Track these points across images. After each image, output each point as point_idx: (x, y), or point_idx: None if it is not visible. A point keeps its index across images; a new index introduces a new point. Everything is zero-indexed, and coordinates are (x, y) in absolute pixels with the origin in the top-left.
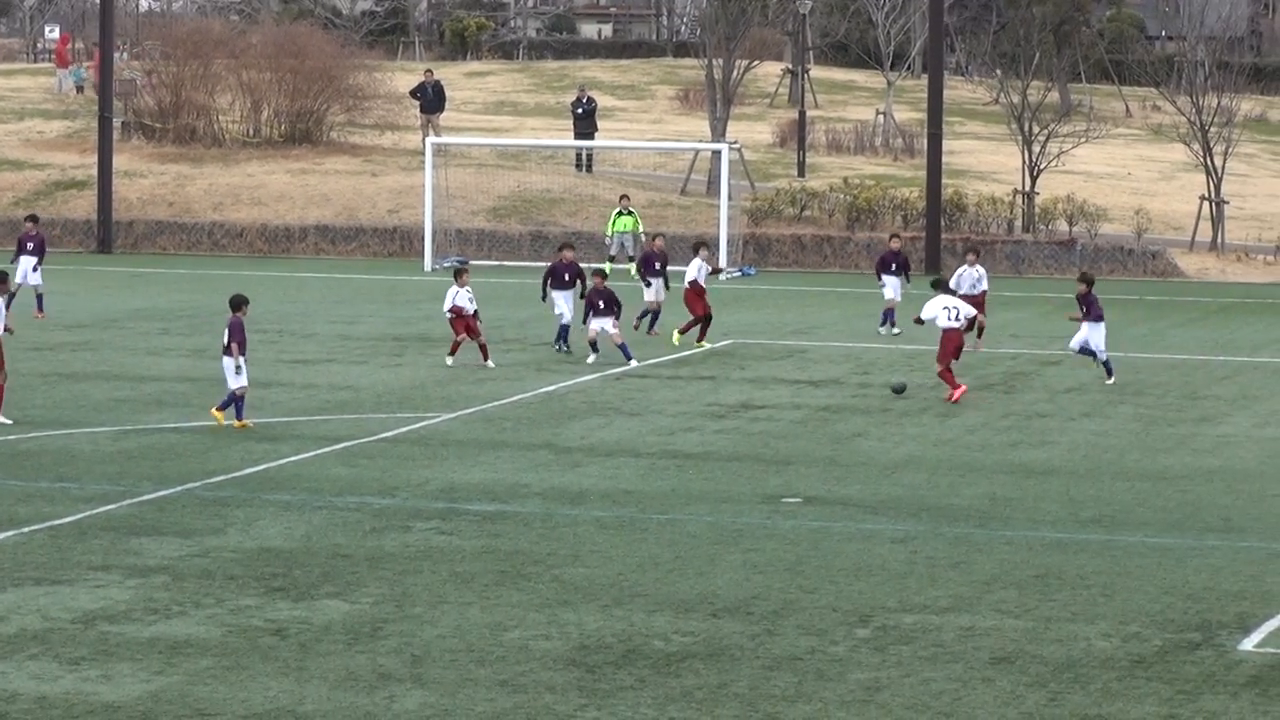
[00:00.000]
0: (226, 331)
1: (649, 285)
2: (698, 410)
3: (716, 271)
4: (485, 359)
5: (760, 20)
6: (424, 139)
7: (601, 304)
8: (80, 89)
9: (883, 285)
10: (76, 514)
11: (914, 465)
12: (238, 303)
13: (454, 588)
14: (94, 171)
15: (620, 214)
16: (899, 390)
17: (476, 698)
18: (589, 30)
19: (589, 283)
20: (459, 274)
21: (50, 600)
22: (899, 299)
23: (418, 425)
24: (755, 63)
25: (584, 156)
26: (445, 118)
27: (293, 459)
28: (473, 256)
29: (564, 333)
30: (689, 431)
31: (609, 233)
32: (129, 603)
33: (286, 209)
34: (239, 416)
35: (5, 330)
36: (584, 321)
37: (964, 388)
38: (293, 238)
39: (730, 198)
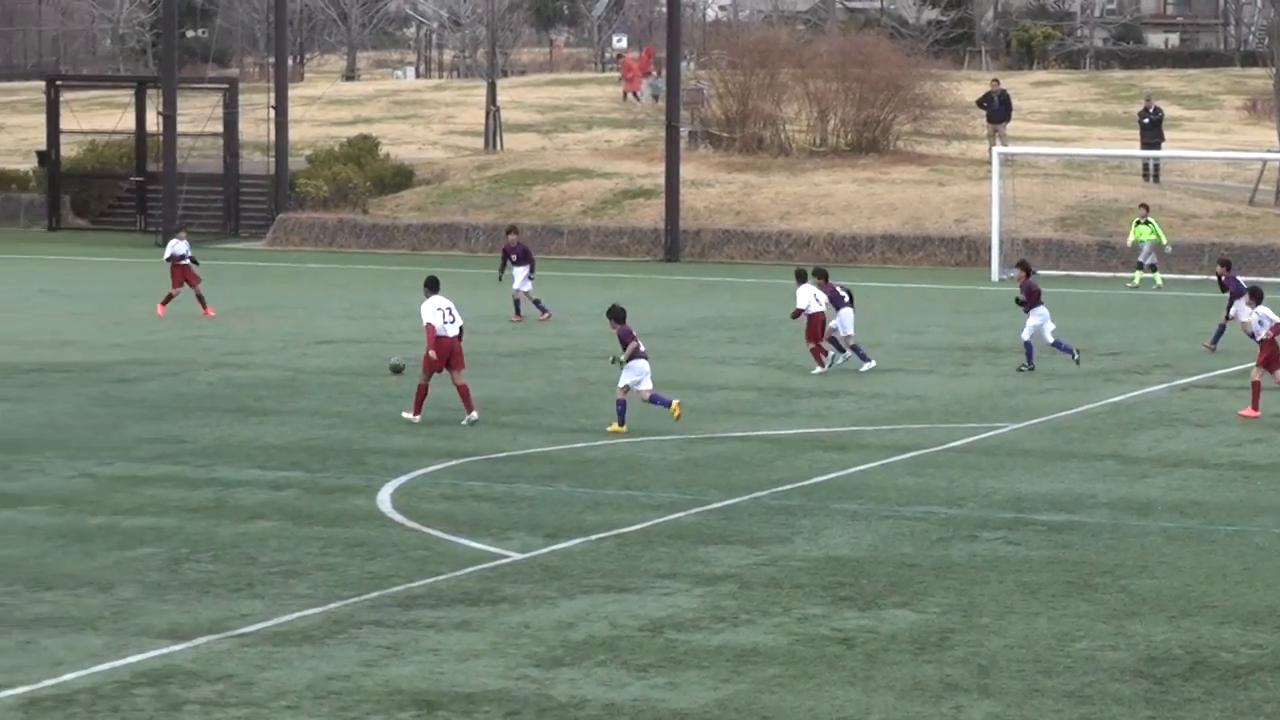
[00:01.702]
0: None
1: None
2: (1267, 421)
3: None
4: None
5: None
6: (990, 148)
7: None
8: (657, 98)
9: None
10: (644, 522)
11: None
12: (622, 314)
13: (1021, 598)
14: (661, 180)
15: (1138, 223)
16: (397, 370)
17: (1044, 709)
18: (1156, 39)
19: None
20: None
21: (618, 608)
22: None
23: (985, 435)
24: None
25: (1151, 166)
26: (1011, 127)
27: (859, 468)
28: (1039, 266)
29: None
30: (1257, 443)
31: (1130, 240)
32: (696, 611)
33: (853, 218)
34: (669, 404)
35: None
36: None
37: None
38: (859, 247)
39: None
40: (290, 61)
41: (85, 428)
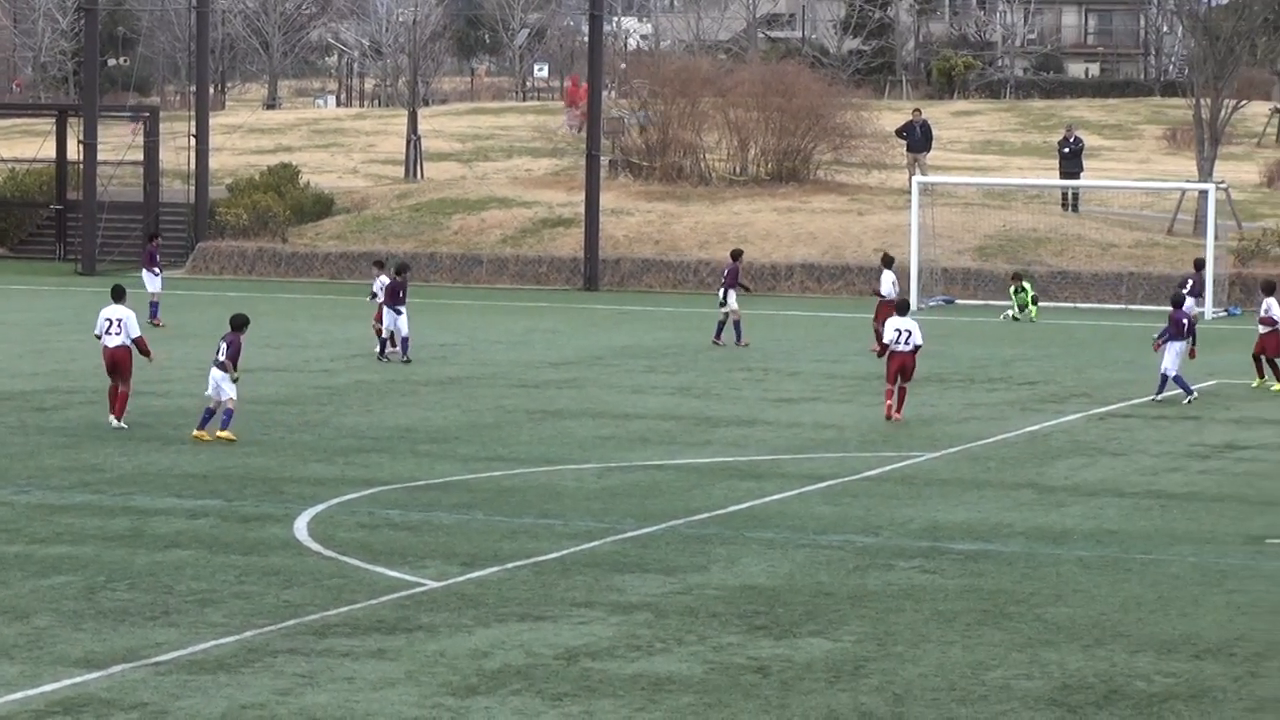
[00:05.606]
0: (225, 347)
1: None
2: (1182, 450)
3: None
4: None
5: (1249, 60)
6: (910, 178)
7: None
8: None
9: None
10: (560, 550)
11: None
12: (240, 323)
13: (936, 626)
14: (581, 209)
15: (1017, 291)
16: None
17: None
18: (1076, 69)
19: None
20: None
21: (534, 636)
22: None
23: (901, 464)
24: (1243, 102)
25: (1070, 196)
26: (931, 157)
27: (776, 497)
28: (958, 295)
29: None
30: (1173, 472)
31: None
32: (611, 639)
33: (773, 247)
34: (224, 427)
35: None
36: None
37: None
38: (779, 276)
39: (1216, 237)
40: (211, 90)
41: (1, 456)
